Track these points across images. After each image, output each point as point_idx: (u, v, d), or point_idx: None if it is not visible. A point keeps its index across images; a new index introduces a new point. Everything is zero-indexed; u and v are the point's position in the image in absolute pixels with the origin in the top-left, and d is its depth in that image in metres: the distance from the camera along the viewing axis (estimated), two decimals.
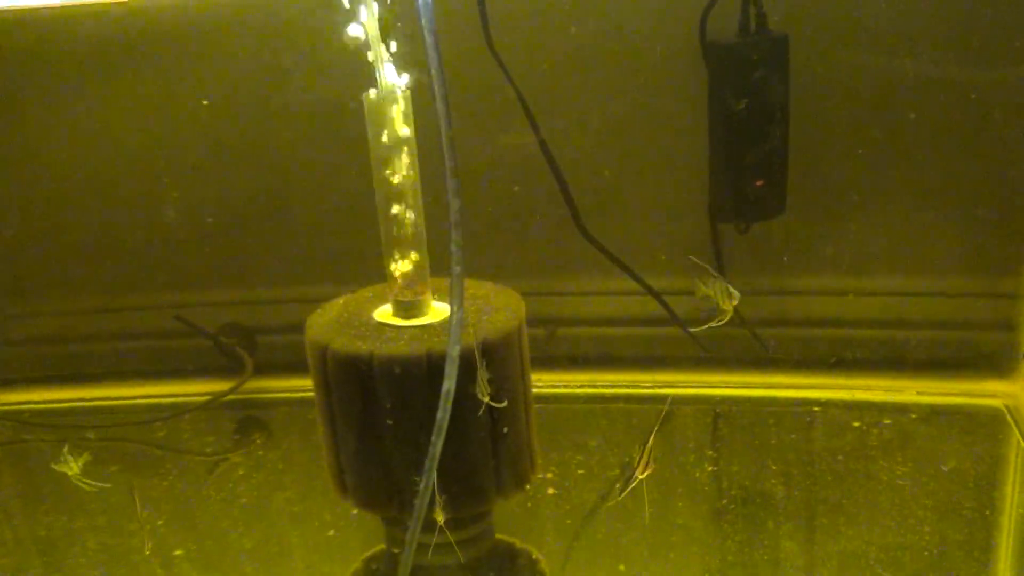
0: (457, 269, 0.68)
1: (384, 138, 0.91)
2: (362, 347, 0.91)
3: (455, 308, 0.74)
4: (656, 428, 0.85)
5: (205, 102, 1.36)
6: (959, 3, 1.20)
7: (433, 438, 0.77)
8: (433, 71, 0.57)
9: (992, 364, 1.31)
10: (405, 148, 0.92)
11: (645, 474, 0.84)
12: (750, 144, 1.23)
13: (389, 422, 0.90)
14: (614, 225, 1.34)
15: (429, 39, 0.56)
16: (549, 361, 1.41)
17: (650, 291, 1.34)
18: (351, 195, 1.31)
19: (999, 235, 1.28)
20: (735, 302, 0.88)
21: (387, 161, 0.92)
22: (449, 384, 0.74)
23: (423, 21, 0.56)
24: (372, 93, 0.90)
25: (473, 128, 1.32)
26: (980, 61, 1.21)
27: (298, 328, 0.98)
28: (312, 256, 1.43)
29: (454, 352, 0.73)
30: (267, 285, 1.47)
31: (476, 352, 0.81)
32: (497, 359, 0.91)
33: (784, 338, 1.37)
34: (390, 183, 0.93)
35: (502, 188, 1.36)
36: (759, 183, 1.25)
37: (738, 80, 1.21)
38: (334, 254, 1.41)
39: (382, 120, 0.91)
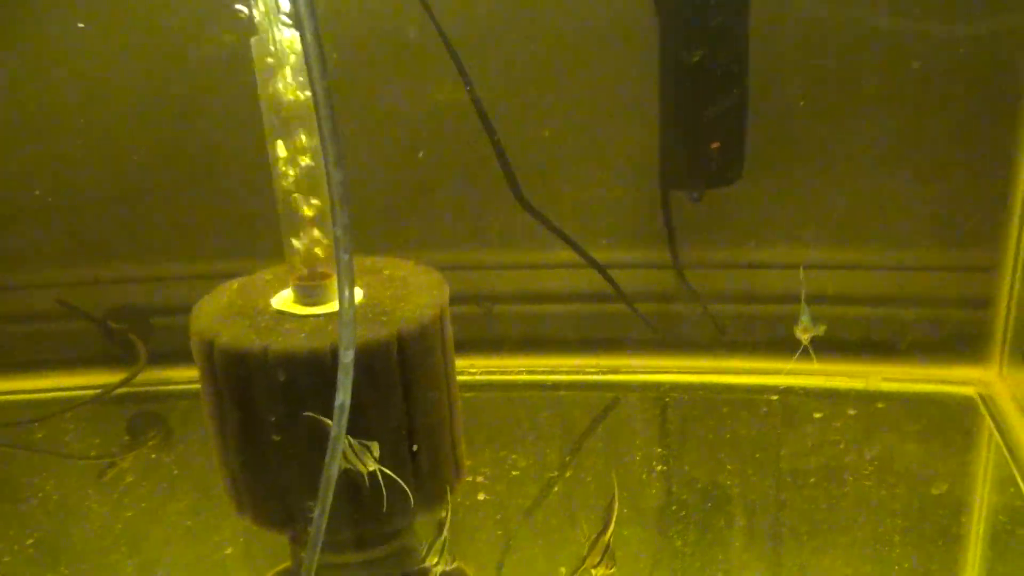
0: (345, 257, 0.54)
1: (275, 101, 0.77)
2: (255, 340, 0.78)
3: (345, 306, 0.60)
4: (613, 519, 0.75)
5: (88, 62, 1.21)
6: None
7: (328, 458, 0.64)
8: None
9: (965, 347, 1.22)
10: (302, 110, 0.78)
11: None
12: (705, 102, 1.12)
13: (284, 431, 0.78)
14: (555, 191, 1.24)
15: None
16: (484, 344, 1.30)
17: (594, 264, 1.25)
18: (258, 154, 1.18)
19: (972, 202, 1.19)
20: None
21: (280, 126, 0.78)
22: (344, 396, 0.61)
23: None
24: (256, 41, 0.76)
25: (399, 81, 1.21)
26: (952, 15, 1.12)
27: None
28: (216, 227, 1.29)
29: (347, 359, 0.60)
30: (164, 260, 1.32)
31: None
32: (414, 353, 0.79)
33: (741, 316, 1.28)
34: (283, 148, 0.79)
35: (432, 150, 1.25)
36: (715, 145, 1.14)
37: (692, 29, 1.09)
38: (241, 223, 1.27)
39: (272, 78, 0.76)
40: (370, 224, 1.26)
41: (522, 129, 1.21)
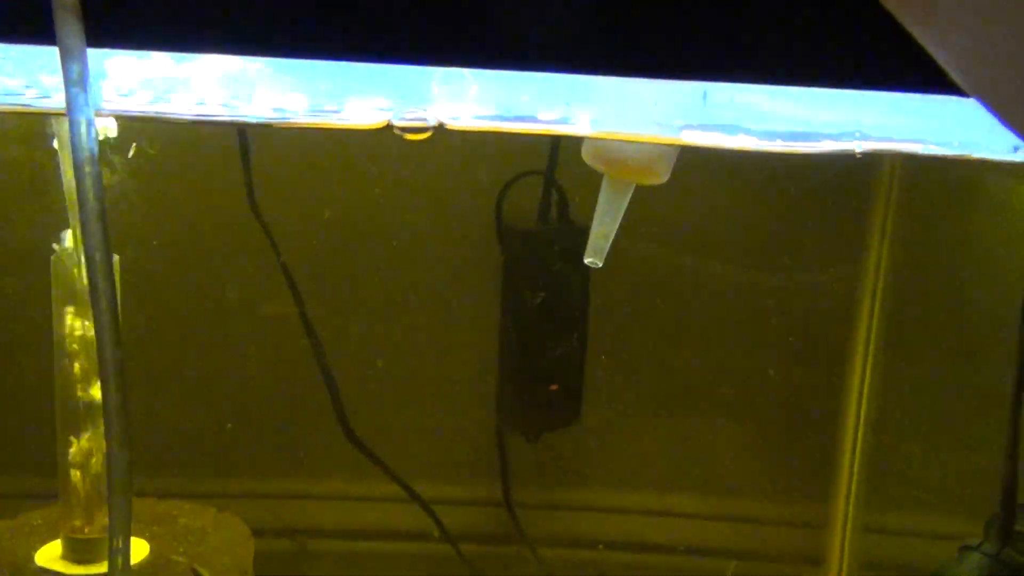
0: (119, 540, 0.44)
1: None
2: None
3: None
4: None
5: None
6: (766, 210, 1.15)
7: None
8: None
9: None
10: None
11: None
12: (545, 344, 1.09)
13: None
14: (386, 423, 1.15)
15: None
16: None
17: (417, 499, 1.16)
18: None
19: (802, 456, 1.20)
20: None
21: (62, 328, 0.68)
22: None
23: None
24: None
25: (229, 293, 1.13)
26: (787, 267, 1.16)
27: None
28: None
29: None
30: None
31: None
32: None
33: (573, 562, 1.21)
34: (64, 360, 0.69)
35: (253, 369, 1.15)
36: (553, 388, 1.11)
37: (535, 271, 1.08)
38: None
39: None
40: (177, 446, 1.14)
41: (354, 356, 1.14)
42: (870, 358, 1.16)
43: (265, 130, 1.00)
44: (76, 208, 0.65)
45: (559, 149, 1.06)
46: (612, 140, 0.70)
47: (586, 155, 0.75)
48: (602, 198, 0.79)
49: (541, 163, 1.09)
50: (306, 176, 1.12)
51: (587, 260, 0.82)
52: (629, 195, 0.78)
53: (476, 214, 1.12)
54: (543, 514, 1.21)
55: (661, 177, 0.74)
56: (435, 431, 1.19)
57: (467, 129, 0.50)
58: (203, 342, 1.15)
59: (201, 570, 0.65)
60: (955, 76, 0.29)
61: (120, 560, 0.46)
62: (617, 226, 0.79)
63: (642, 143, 0.69)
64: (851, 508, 1.16)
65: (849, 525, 1.17)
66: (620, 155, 0.72)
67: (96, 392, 0.70)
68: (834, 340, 1.19)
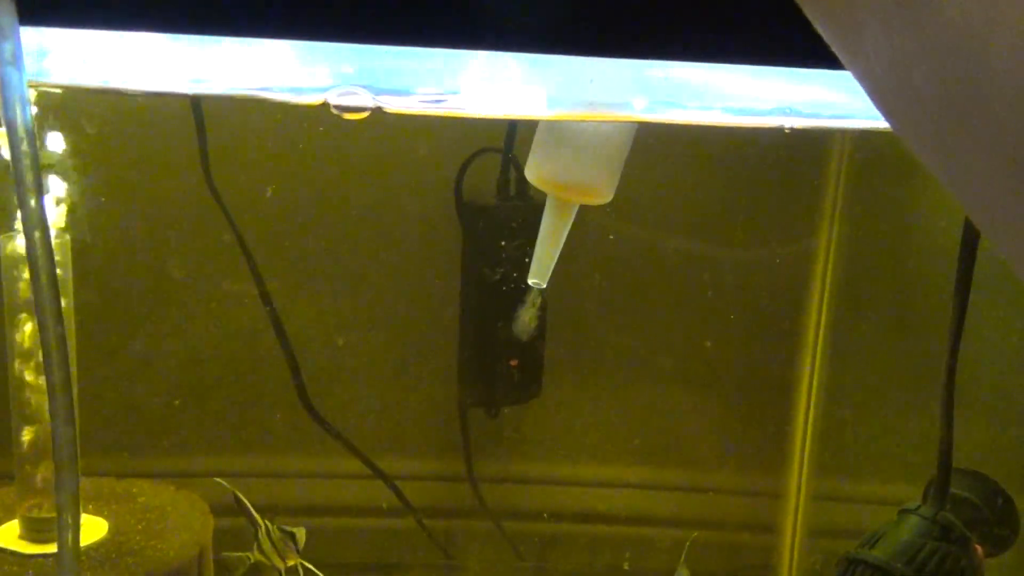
0: (68, 516, 0.44)
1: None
2: None
3: (64, 556, 0.49)
4: None
5: None
6: (721, 187, 1.17)
7: None
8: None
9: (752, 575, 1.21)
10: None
11: None
12: (505, 319, 1.09)
13: None
14: (346, 399, 1.16)
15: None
16: (251, 571, 1.16)
17: (380, 475, 1.16)
18: None
19: (758, 427, 1.22)
20: None
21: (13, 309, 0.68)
22: None
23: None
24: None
25: (187, 270, 1.11)
26: (744, 241, 1.17)
27: None
28: None
29: None
30: None
31: None
32: None
33: (535, 534, 1.22)
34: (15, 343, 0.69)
35: (214, 346, 1.14)
36: (514, 363, 1.11)
37: (494, 247, 1.08)
38: None
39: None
40: (138, 426, 1.14)
41: (315, 332, 1.14)
42: (822, 330, 1.18)
43: (224, 105, 1.00)
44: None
45: (517, 126, 1.06)
46: (556, 161, 0.70)
47: (530, 175, 0.74)
48: (545, 219, 0.77)
49: (499, 140, 1.09)
50: (264, 152, 1.11)
51: (531, 281, 0.81)
52: (572, 216, 0.77)
53: (436, 190, 1.12)
54: (505, 488, 1.21)
55: (605, 196, 0.74)
56: (397, 407, 1.19)
57: (404, 113, 0.51)
58: (164, 320, 1.14)
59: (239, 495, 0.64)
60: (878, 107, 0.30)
61: (70, 537, 0.46)
62: (561, 247, 0.78)
63: (585, 163, 0.69)
64: (804, 477, 1.19)
65: (803, 494, 1.20)
66: (564, 175, 0.71)
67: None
68: (787, 313, 1.20)
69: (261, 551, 0.59)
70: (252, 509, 0.59)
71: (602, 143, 0.71)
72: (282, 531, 0.62)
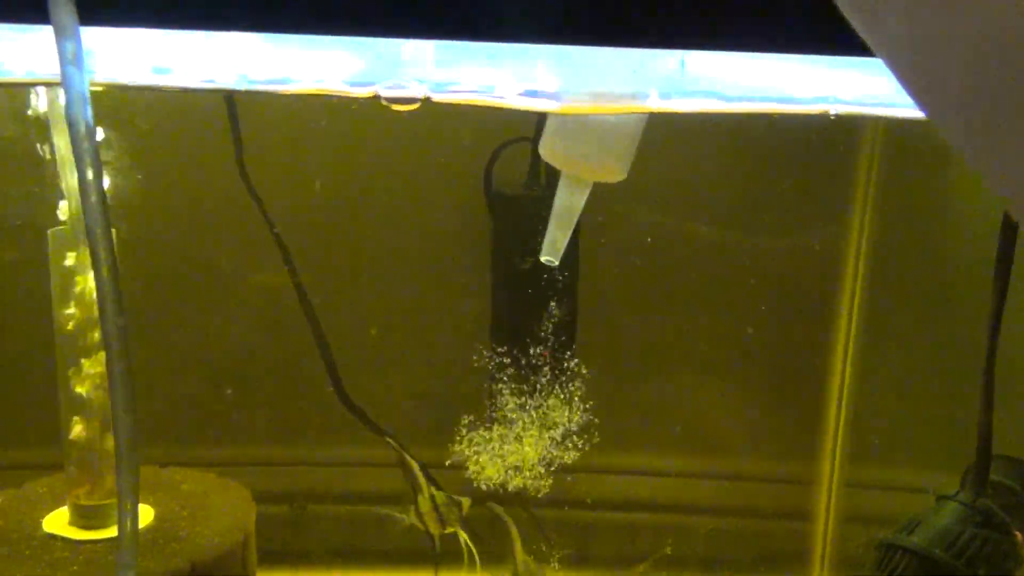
0: (128, 503, 0.46)
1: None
2: (15, 575, 0.66)
3: (123, 542, 0.50)
4: None
5: None
6: (752, 174, 1.16)
7: None
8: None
9: (785, 562, 1.21)
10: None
11: None
12: (535, 310, 1.10)
13: None
14: (380, 388, 1.17)
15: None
16: (293, 556, 1.17)
17: (404, 464, 1.16)
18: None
19: (794, 415, 1.21)
20: None
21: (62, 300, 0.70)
22: None
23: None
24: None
25: (223, 262, 1.14)
26: (777, 229, 1.17)
27: None
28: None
29: None
30: None
31: None
32: None
33: (566, 521, 1.23)
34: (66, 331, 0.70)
35: (250, 337, 1.16)
36: (543, 353, 1.11)
37: (524, 237, 1.08)
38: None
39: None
40: (177, 415, 1.16)
41: (349, 324, 1.15)
42: (855, 317, 1.17)
43: (256, 99, 1.01)
44: (71, 181, 0.66)
45: (546, 115, 1.07)
46: (569, 137, 0.70)
47: (544, 152, 0.74)
48: (559, 197, 0.77)
49: (529, 129, 1.09)
50: (297, 146, 1.12)
51: (543, 259, 0.81)
52: (586, 193, 0.77)
53: (466, 181, 1.13)
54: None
55: (619, 174, 0.73)
56: (429, 395, 1.20)
57: (453, 102, 0.51)
58: (202, 313, 1.16)
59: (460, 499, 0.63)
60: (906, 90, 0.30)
61: (129, 523, 0.48)
62: (574, 225, 0.78)
63: (598, 139, 0.69)
64: (837, 464, 1.18)
65: (835, 481, 1.19)
66: (578, 152, 0.71)
67: (94, 364, 0.71)
68: (821, 299, 1.20)
69: (419, 514, 0.60)
70: (417, 470, 0.59)
71: (615, 120, 0.71)
72: (449, 498, 0.62)
